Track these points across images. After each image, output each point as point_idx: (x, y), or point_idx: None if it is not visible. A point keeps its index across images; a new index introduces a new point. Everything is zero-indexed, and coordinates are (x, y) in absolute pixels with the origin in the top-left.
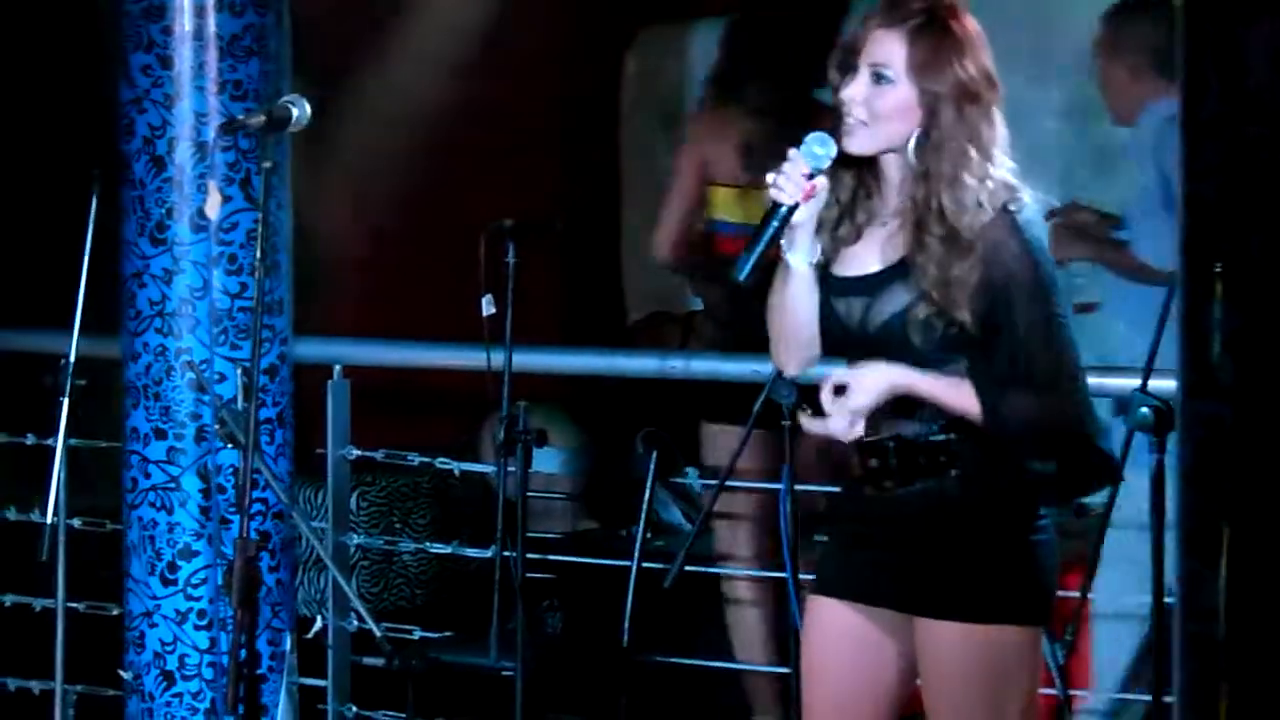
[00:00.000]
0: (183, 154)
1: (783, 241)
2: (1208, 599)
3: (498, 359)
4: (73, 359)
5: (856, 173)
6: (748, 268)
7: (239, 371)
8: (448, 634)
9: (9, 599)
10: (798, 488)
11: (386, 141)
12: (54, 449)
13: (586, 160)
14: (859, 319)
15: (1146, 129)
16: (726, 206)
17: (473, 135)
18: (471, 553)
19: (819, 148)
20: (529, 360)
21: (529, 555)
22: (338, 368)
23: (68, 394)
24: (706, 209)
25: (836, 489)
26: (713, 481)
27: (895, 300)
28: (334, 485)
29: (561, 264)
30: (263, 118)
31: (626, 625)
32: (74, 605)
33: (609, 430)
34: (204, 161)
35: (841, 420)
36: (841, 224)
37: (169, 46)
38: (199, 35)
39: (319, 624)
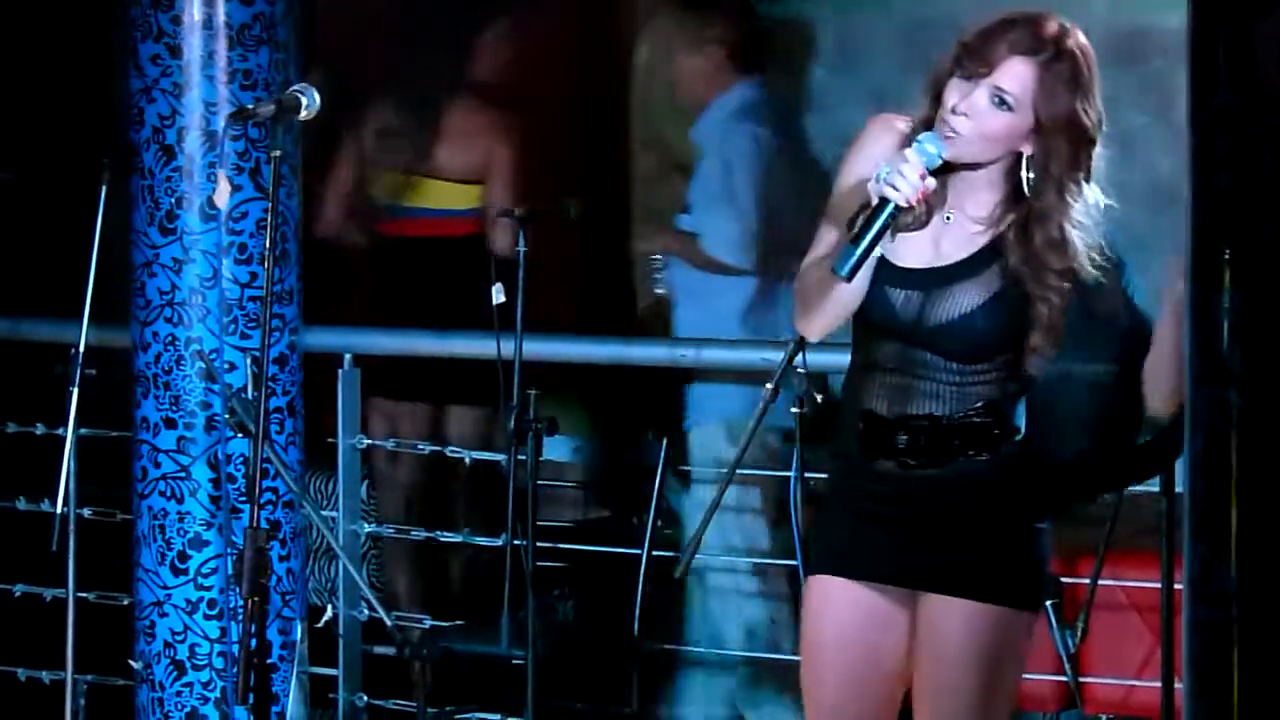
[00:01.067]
0: (192, 143)
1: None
2: (1217, 585)
3: (508, 348)
4: (82, 348)
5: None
6: (849, 265)
7: (249, 360)
8: (458, 622)
9: (19, 589)
10: (809, 475)
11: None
12: (64, 438)
13: (601, 147)
14: (916, 312)
15: (714, 120)
16: (384, 188)
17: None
18: (482, 541)
19: (932, 146)
20: (539, 349)
21: (540, 543)
22: (348, 356)
23: (77, 383)
24: (369, 190)
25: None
26: (723, 470)
27: (958, 300)
28: (344, 474)
29: (577, 251)
30: (272, 106)
31: (638, 613)
32: (84, 595)
33: (620, 419)
34: (213, 151)
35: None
36: (907, 211)
37: (178, 35)
38: (208, 24)
39: (329, 613)
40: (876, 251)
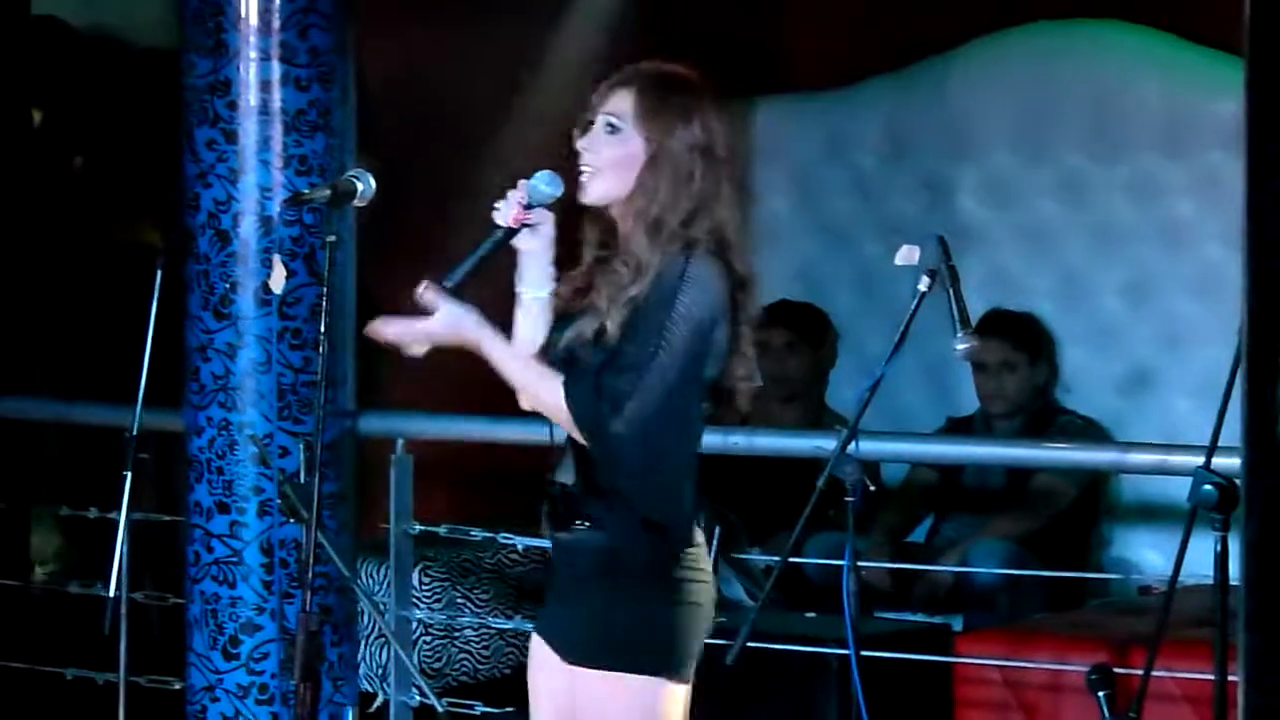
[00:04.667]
0: (247, 228)
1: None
2: (1273, 676)
3: (560, 434)
4: (135, 432)
5: (598, 232)
6: (455, 277)
7: (302, 445)
8: (509, 709)
9: (72, 673)
10: (861, 564)
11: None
12: (117, 522)
13: None
14: (553, 345)
15: None
16: None
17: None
18: (534, 628)
19: (544, 184)
20: None
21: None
22: (400, 442)
23: (130, 468)
24: None
25: (899, 565)
26: (775, 558)
27: (573, 327)
28: (396, 560)
29: None
30: (328, 192)
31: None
32: (136, 679)
33: None
34: (268, 236)
35: (404, 329)
36: (583, 276)
37: (234, 121)
38: (264, 110)
39: (381, 699)
40: (529, 295)
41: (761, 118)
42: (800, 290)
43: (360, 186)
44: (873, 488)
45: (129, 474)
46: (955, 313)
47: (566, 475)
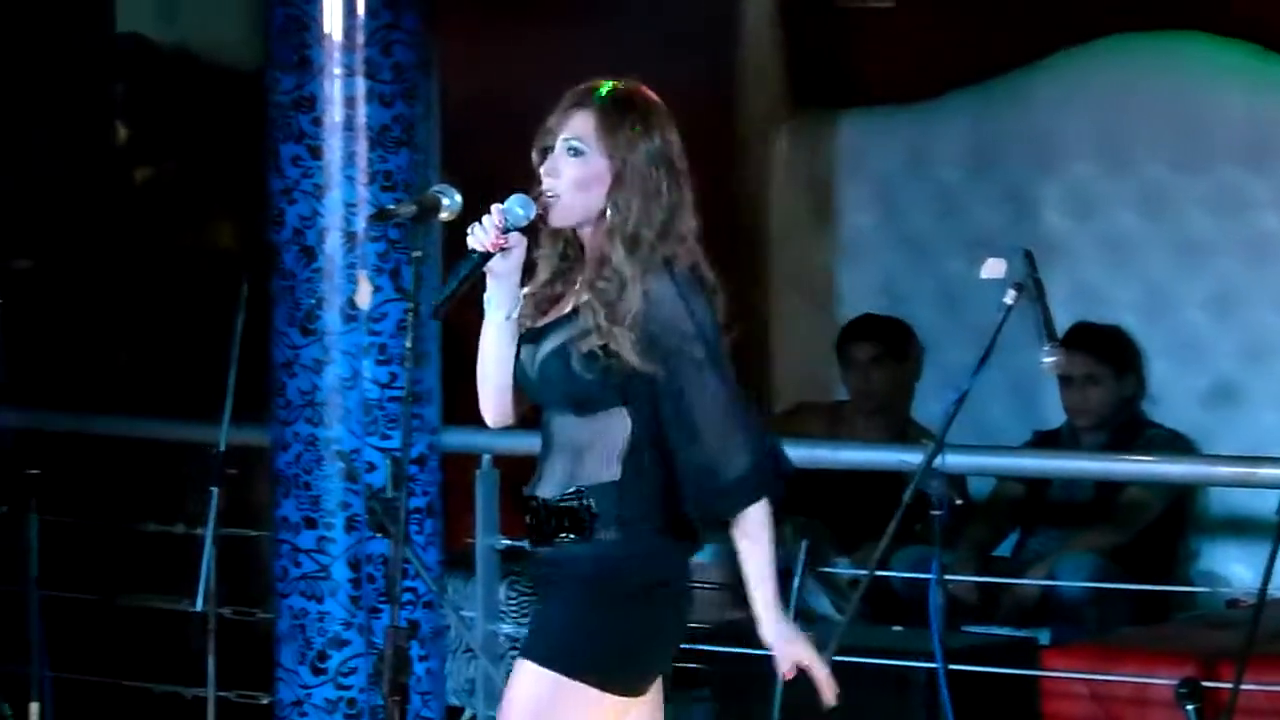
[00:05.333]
0: (333, 244)
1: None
2: None
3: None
4: (222, 448)
5: (558, 246)
6: (442, 304)
7: (389, 461)
8: None
9: (160, 688)
10: (948, 578)
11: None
12: (203, 538)
13: (734, 247)
14: (528, 363)
15: None
16: None
17: None
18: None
19: (519, 208)
20: None
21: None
22: (486, 457)
23: (218, 483)
24: None
25: (986, 579)
26: (863, 571)
27: (554, 339)
28: (483, 574)
29: None
30: (413, 207)
31: (776, 716)
32: (224, 694)
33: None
34: (354, 251)
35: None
36: (542, 291)
37: (319, 137)
38: (349, 126)
39: (468, 713)
40: (500, 315)
41: (844, 132)
42: (884, 304)
43: (446, 201)
44: (959, 502)
45: (216, 489)
46: (1042, 326)
47: (547, 489)
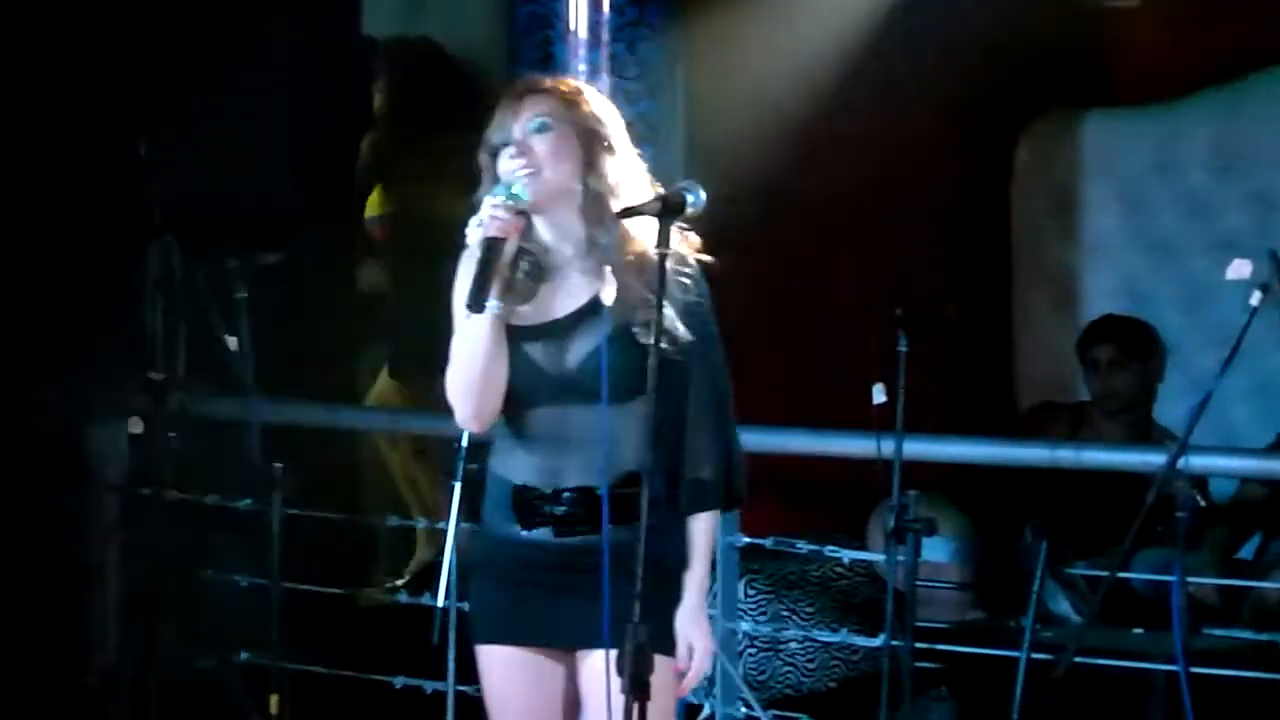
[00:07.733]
0: None
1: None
2: None
3: (887, 447)
4: (465, 444)
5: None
6: (482, 299)
7: None
8: None
9: (400, 681)
10: (1191, 580)
11: (776, 227)
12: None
13: (977, 247)
14: (555, 361)
15: None
16: None
17: (859, 220)
18: (859, 641)
19: (515, 187)
20: (918, 449)
21: (918, 644)
22: None
23: (460, 477)
24: None
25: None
26: (1103, 573)
27: (593, 330)
28: (723, 572)
29: (947, 351)
30: (658, 204)
31: (1016, 716)
32: (464, 689)
33: (997, 520)
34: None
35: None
36: (516, 278)
37: None
38: None
39: (707, 710)
40: (495, 309)
41: (1089, 132)
42: (1126, 305)
43: (690, 198)
44: (1202, 504)
45: (458, 484)
46: None
47: (574, 479)
